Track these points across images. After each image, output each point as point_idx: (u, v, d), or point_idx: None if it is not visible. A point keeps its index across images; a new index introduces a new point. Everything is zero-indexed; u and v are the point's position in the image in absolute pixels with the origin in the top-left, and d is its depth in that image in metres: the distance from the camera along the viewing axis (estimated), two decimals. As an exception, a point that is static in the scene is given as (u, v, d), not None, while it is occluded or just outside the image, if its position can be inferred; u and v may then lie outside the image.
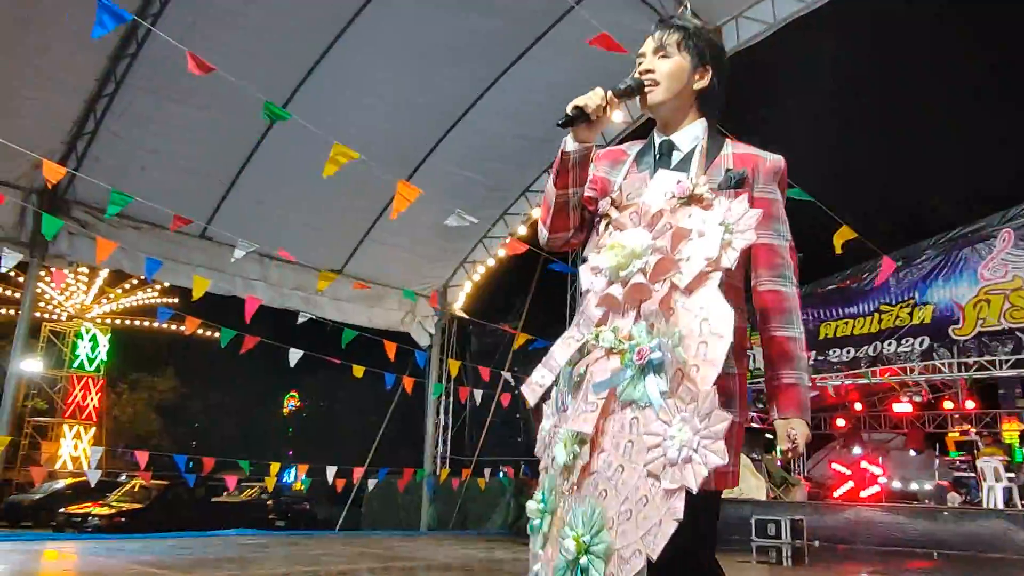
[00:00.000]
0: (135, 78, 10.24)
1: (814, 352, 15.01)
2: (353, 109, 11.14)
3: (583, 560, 1.66)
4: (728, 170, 1.99)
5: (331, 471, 13.07)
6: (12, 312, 22.40)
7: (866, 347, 14.76)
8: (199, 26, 9.51)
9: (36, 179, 10.46)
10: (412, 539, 12.98)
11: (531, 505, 1.92)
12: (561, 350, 1.93)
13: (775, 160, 2.07)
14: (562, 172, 2.04)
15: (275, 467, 13.71)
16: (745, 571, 8.70)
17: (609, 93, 1.99)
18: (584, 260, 2.02)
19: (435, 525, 14.35)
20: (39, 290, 21.40)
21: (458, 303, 15.20)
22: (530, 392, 1.95)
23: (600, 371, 1.81)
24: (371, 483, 13.75)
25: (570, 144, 2.02)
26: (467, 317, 15.02)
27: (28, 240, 10.66)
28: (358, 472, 13.65)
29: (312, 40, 10.73)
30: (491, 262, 14.90)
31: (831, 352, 15.20)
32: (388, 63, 11.14)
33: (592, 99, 1.97)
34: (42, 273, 13.32)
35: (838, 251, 9.03)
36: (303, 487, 15.87)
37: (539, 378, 1.94)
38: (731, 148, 2.07)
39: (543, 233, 2.15)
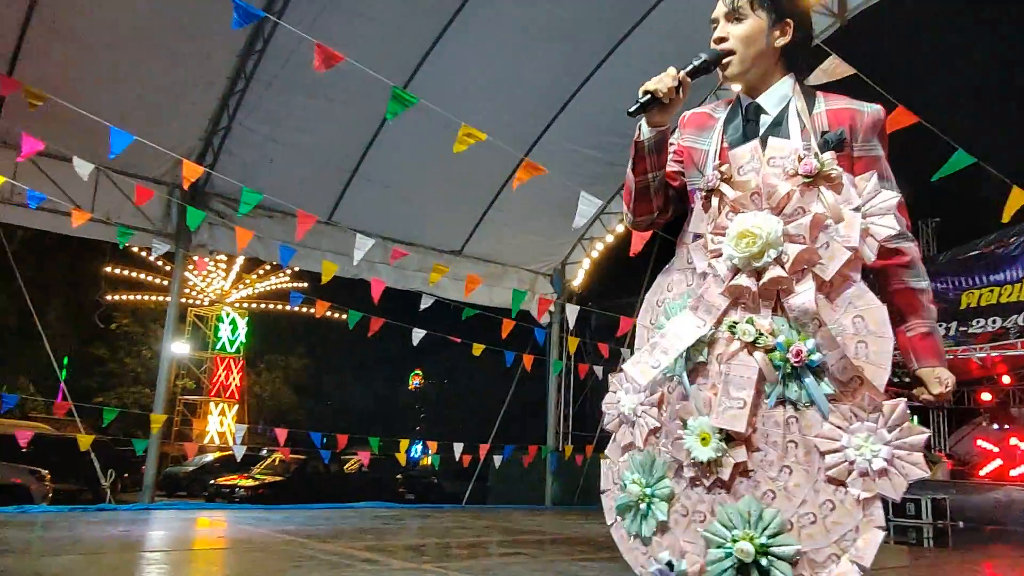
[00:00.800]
0: (263, 74, 10.74)
1: (955, 323, 14.12)
2: (468, 90, 11.27)
3: (763, 561, 1.63)
4: (824, 133, 1.85)
5: (458, 447, 13.41)
6: (161, 299, 24.08)
7: (1015, 316, 13.75)
8: (320, 19, 9.86)
9: (179, 175, 11.19)
10: (537, 513, 13.18)
11: (632, 488, 1.87)
12: (681, 334, 1.84)
13: (873, 111, 1.90)
14: (639, 159, 1.96)
15: (404, 443, 14.20)
16: (882, 552, 8.35)
17: (681, 73, 1.89)
18: (695, 237, 1.93)
19: (559, 500, 14.51)
20: (184, 277, 22.85)
21: (576, 280, 15.21)
22: (640, 373, 1.87)
23: (741, 366, 1.74)
24: (496, 459, 14.02)
25: (645, 131, 1.93)
26: (585, 295, 15.01)
27: (174, 232, 11.42)
28: (484, 448, 13.96)
29: (427, 25, 10.91)
30: (609, 238, 14.79)
31: (975, 322, 14.24)
32: (501, 42, 11.20)
33: (663, 82, 1.87)
34: (188, 264, 14.19)
35: (1006, 219, 8.05)
36: (431, 462, 16.36)
37: (652, 360, 1.85)
38: (824, 104, 1.91)
39: (628, 217, 2.10)
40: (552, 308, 14.57)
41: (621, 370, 1.98)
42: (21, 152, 8.76)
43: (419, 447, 18.59)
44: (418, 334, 12.28)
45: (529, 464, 14.19)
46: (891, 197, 1.75)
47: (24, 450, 10.96)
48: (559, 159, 12.03)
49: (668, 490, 1.82)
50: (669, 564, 1.77)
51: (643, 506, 1.85)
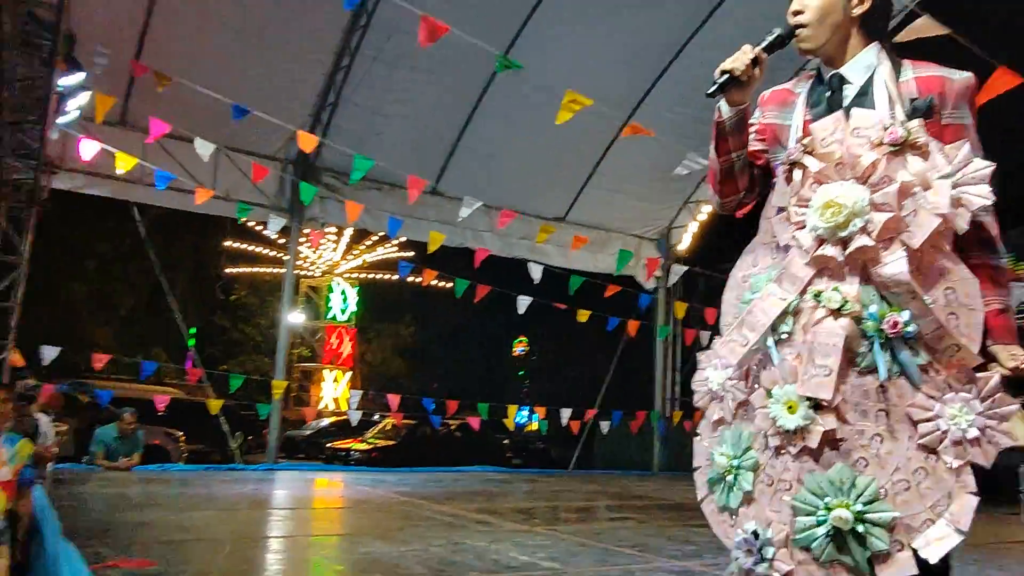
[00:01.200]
0: (368, 48, 10.97)
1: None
2: (568, 56, 11.17)
3: (860, 528, 1.64)
4: (913, 100, 1.80)
5: (566, 413, 13.54)
6: (276, 271, 25.15)
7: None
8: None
9: (289, 151, 11.62)
10: (645, 479, 13.19)
11: (720, 460, 1.87)
12: (766, 309, 1.84)
13: (964, 78, 1.84)
14: (720, 140, 1.98)
15: (512, 409, 14.42)
16: (1009, 526, 7.97)
17: (757, 49, 1.87)
18: (779, 211, 1.91)
19: (667, 466, 14.46)
20: (297, 250, 23.74)
21: (682, 244, 14.96)
22: (730, 351, 1.89)
23: (827, 333, 1.73)
24: (604, 425, 14.08)
25: (724, 111, 1.94)
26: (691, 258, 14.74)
27: (288, 206, 11.90)
28: (592, 414, 14.03)
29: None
30: (715, 201, 14.45)
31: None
32: (600, 5, 11.03)
33: (739, 60, 1.87)
34: (302, 238, 14.76)
35: None
36: (537, 427, 16.58)
37: (740, 338, 1.87)
38: (912, 72, 1.86)
39: (715, 200, 2.12)
40: (658, 272, 14.41)
41: (709, 348, 2.01)
42: (150, 135, 9.29)
43: (526, 413, 18.85)
44: (524, 301, 12.40)
45: (637, 430, 14.16)
46: (985, 166, 1.70)
47: (161, 414, 11.76)
48: (662, 122, 11.79)
49: (753, 461, 1.83)
50: (755, 533, 1.77)
51: (730, 478, 1.86)
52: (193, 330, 14.06)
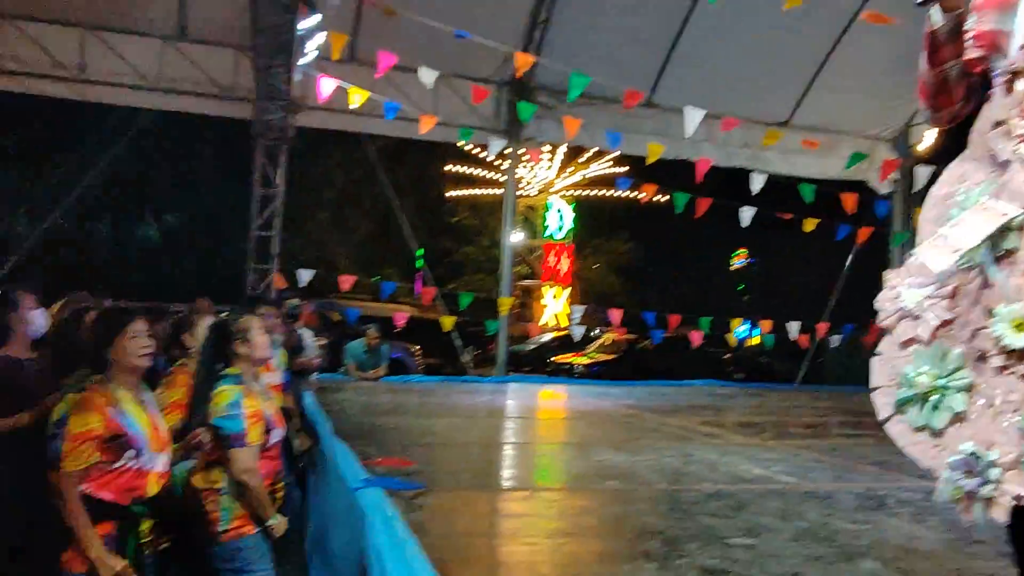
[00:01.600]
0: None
1: None
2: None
3: None
4: None
5: (793, 327, 13.04)
6: (494, 192, 25.98)
7: None
8: None
9: (504, 72, 11.81)
10: (881, 396, 12.46)
11: (921, 379, 1.79)
12: (981, 223, 1.72)
13: None
14: (934, 50, 1.87)
15: (735, 322, 14.11)
16: None
17: None
18: (995, 124, 1.75)
19: (905, 382, 13.55)
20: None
21: (923, 144, 13.59)
22: (940, 257, 1.77)
23: None
24: (833, 338, 13.43)
25: (937, 19, 1.83)
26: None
27: (506, 127, 12.18)
28: (822, 328, 13.41)
29: None
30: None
31: None
32: None
33: None
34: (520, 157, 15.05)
35: None
36: (761, 341, 16.13)
37: (944, 250, 1.75)
38: None
39: (927, 113, 2.01)
40: (894, 175, 13.25)
41: (902, 265, 1.93)
42: (378, 68, 9.83)
43: (747, 327, 18.35)
44: (748, 213, 11.94)
45: (871, 344, 13.35)
46: None
47: (398, 330, 12.77)
48: (904, 7, 10.64)
49: (967, 381, 1.75)
50: (973, 455, 1.69)
51: (934, 398, 1.79)
52: (421, 251, 14.96)
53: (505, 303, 12.23)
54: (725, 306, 25.63)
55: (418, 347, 14.13)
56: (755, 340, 20.21)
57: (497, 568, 2.97)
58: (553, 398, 10.71)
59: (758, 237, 26.27)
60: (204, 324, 3.73)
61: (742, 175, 12.24)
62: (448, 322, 12.11)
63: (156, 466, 2.89)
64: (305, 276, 11.30)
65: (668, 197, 12.49)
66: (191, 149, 24.19)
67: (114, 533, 2.77)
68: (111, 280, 17.70)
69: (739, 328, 17.02)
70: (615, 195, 23.26)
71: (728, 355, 18.67)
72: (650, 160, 11.13)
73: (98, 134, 17.15)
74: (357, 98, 10.07)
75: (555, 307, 27.39)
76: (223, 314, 3.68)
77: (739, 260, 36.21)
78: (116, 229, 26.09)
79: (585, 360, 16.86)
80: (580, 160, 27.38)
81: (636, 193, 13.93)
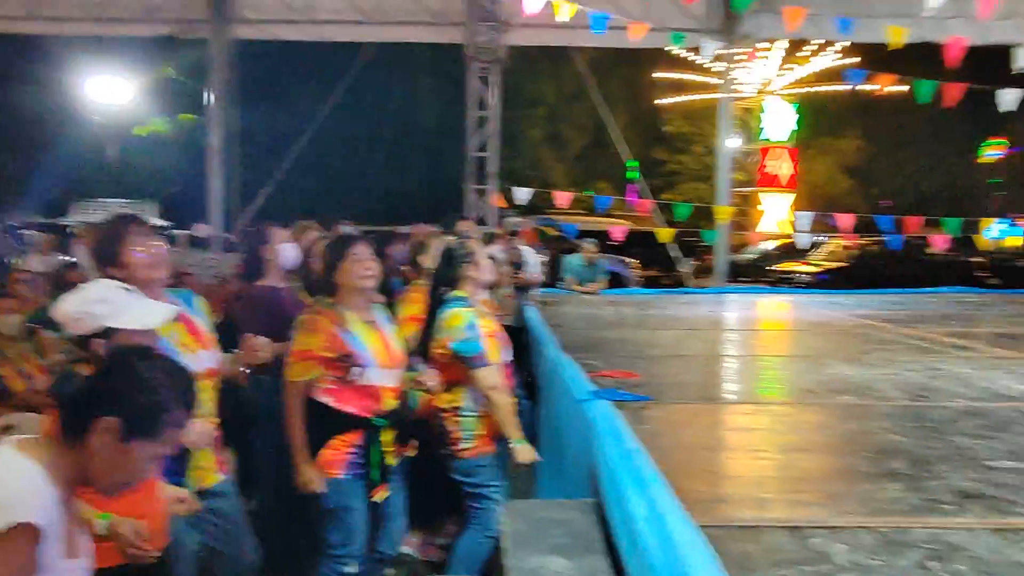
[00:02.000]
0: None
1: None
2: None
3: None
4: None
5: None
6: (707, 97, 24.81)
7: None
8: None
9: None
10: None
11: None
12: None
13: None
14: None
15: (985, 222, 12.68)
16: None
17: None
18: None
19: None
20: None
21: None
22: None
23: None
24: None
25: None
26: None
27: (719, 26, 11.49)
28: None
29: None
30: None
31: None
32: None
33: None
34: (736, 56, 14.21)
35: None
36: (1020, 243, 14.37)
37: None
38: None
39: None
40: None
41: None
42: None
43: (1006, 225, 16.29)
44: (1008, 96, 10.49)
45: None
46: None
47: (615, 243, 12.76)
48: None
49: None
50: None
51: None
52: (635, 163, 14.74)
53: (723, 212, 11.81)
54: (974, 204, 23.08)
55: (635, 260, 14.09)
56: (1014, 241, 18.02)
57: (725, 480, 2.94)
58: (777, 309, 10.28)
59: (1019, 123, 23.14)
60: (436, 246, 3.96)
61: (997, 52, 10.73)
62: (665, 234, 11.92)
63: (387, 381, 3.09)
64: (522, 194, 11.55)
65: (907, 87, 11.25)
66: (409, 77, 25.26)
67: (360, 442, 3.05)
68: (348, 205, 19.15)
69: (991, 228, 15.27)
70: (842, 90, 21.38)
71: (978, 259, 16.83)
72: (892, 45, 10.01)
73: (326, 72, 18.34)
74: (565, 9, 9.92)
75: (776, 213, 26.03)
76: (451, 239, 3.88)
77: (991, 152, 32.13)
78: (347, 160, 28.04)
79: (812, 268, 15.95)
80: (800, 54, 25.37)
81: (870, 85, 12.69)
